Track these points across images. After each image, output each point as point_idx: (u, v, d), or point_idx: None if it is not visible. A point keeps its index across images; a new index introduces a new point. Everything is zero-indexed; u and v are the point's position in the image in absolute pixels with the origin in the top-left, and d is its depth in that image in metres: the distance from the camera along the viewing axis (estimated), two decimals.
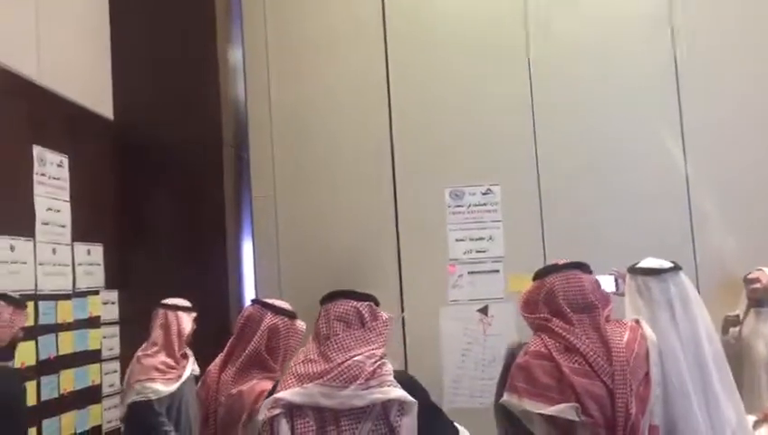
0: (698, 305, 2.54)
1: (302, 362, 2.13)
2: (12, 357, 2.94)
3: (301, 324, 2.64)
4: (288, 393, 2.04)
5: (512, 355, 2.38)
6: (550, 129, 4.82)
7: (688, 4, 4.81)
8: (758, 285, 4.05)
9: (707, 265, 4.48)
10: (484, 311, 4.75)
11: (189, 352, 3.90)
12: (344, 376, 2.05)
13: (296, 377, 2.08)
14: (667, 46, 4.79)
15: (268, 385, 2.39)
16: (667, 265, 2.59)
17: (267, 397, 2.10)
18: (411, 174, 4.89)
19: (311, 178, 4.98)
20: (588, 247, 4.47)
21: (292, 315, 2.63)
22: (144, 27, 4.78)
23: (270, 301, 2.69)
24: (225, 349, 2.61)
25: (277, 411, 2.01)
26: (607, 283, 3.35)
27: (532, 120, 4.84)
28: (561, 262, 2.43)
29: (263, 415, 2.03)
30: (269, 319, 2.56)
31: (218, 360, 2.63)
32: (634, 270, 2.64)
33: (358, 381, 2.04)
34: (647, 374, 2.26)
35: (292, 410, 2.03)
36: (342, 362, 2.07)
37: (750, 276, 4.12)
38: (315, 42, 5.07)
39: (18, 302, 2.96)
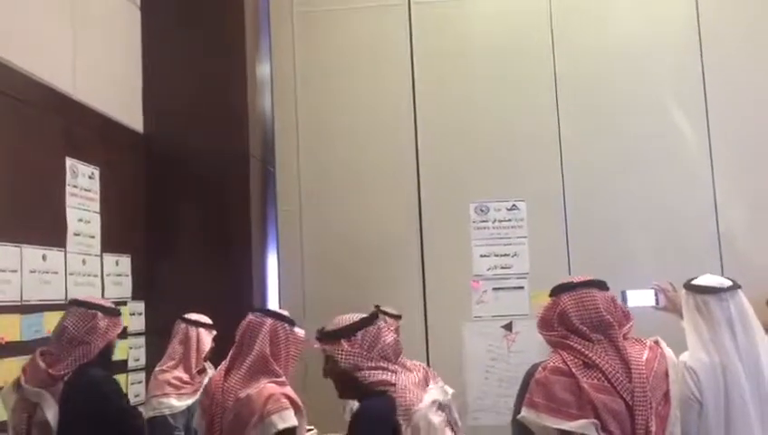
0: (756, 324, 2.54)
1: None
2: (108, 365, 2.99)
3: (300, 332, 2.66)
4: None
5: (531, 372, 2.37)
6: (576, 145, 4.81)
7: (716, 13, 4.78)
8: None
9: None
10: (508, 327, 4.72)
11: (209, 366, 3.91)
12: None
13: None
14: (695, 59, 4.77)
15: (276, 389, 2.43)
16: (727, 283, 2.58)
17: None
18: (436, 189, 4.90)
19: (336, 193, 5.01)
20: (614, 264, 4.46)
21: (291, 322, 2.66)
22: (174, 41, 4.86)
23: (269, 309, 2.71)
24: (228, 358, 2.64)
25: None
26: (647, 297, 3.33)
27: (558, 137, 4.83)
28: (577, 280, 2.41)
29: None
30: (269, 325, 2.59)
31: (221, 369, 2.66)
32: (692, 287, 2.62)
33: None
34: (666, 393, 2.25)
35: None
36: None
37: None
38: (342, 57, 5.12)
39: (113, 311, 3.01)
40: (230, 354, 2.64)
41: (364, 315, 2.37)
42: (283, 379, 2.52)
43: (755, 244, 4.55)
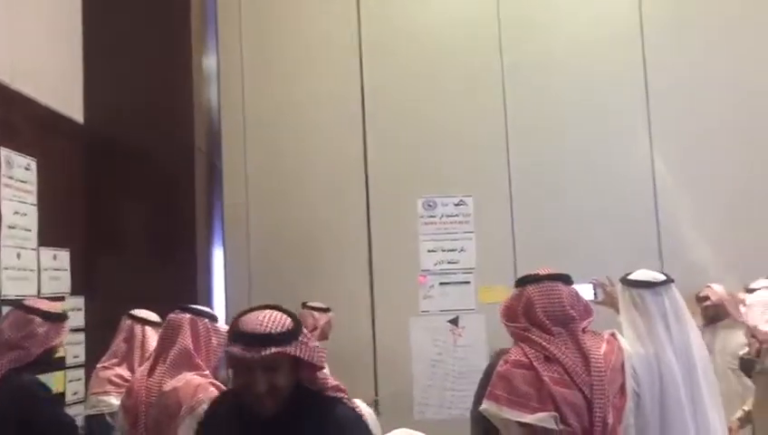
0: (688, 316, 2.61)
1: None
2: (41, 371, 2.91)
3: (223, 327, 2.67)
4: None
5: (492, 364, 2.39)
6: (523, 141, 4.87)
7: (659, 22, 4.90)
8: (708, 303, 4.15)
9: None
10: (454, 322, 4.76)
11: None
12: None
13: None
14: (637, 61, 4.87)
15: (203, 380, 2.44)
16: (661, 277, 2.64)
17: None
18: (384, 184, 4.90)
19: (283, 187, 4.96)
20: (559, 259, 4.47)
21: (212, 317, 2.69)
22: (117, 31, 4.73)
23: (192, 306, 2.74)
24: (151, 357, 2.63)
25: None
26: (586, 291, 3.39)
27: (506, 133, 4.89)
28: (543, 272, 2.44)
29: None
30: (189, 320, 2.62)
31: (143, 368, 2.63)
32: (628, 282, 2.67)
33: None
34: (622, 385, 2.31)
35: None
36: None
37: (701, 295, 4.22)
38: (291, 52, 5.07)
39: (56, 317, 2.92)
40: (153, 352, 2.63)
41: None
42: (207, 372, 2.54)
43: (693, 240, 4.68)
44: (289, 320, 1.83)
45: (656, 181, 4.80)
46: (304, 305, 4.19)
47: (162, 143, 4.65)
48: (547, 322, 2.31)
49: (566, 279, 2.43)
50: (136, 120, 4.66)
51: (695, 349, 2.53)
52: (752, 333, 3.63)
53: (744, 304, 3.68)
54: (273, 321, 1.80)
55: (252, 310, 1.86)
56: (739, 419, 3.78)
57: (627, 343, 2.57)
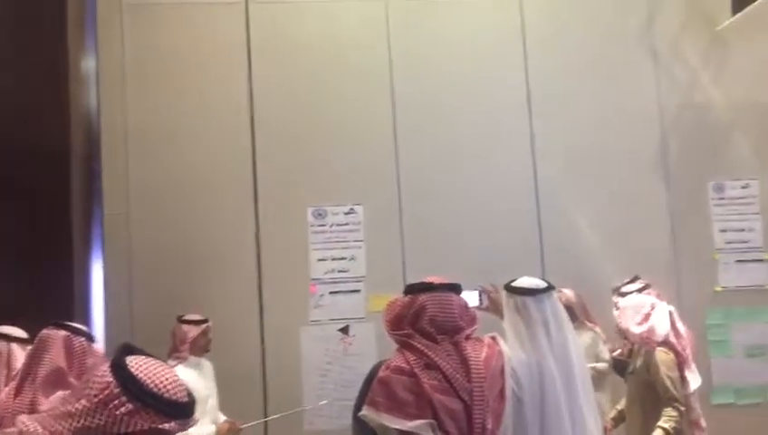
0: (568, 323, 2.69)
1: None
2: None
3: (99, 348, 2.58)
4: None
5: (374, 371, 2.38)
6: (411, 150, 4.94)
7: (540, 33, 5.11)
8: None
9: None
10: (344, 330, 4.75)
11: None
12: None
13: None
14: (520, 68, 5.06)
15: None
16: (543, 284, 2.71)
17: None
18: (274, 192, 4.83)
19: (168, 195, 4.79)
20: (446, 267, 4.57)
21: (90, 338, 2.58)
22: None
23: (67, 323, 2.61)
24: (18, 375, 2.47)
25: None
26: (471, 298, 3.45)
27: (395, 142, 4.94)
28: (436, 281, 2.45)
29: None
30: (64, 338, 2.50)
31: (9, 388, 2.47)
32: (512, 289, 2.72)
33: None
34: (502, 390, 2.35)
35: None
36: None
37: None
38: (176, 54, 4.91)
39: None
40: (19, 372, 2.46)
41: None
42: None
43: (573, 246, 4.91)
44: None
45: (538, 190, 4.99)
46: (179, 319, 4.04)
47: (32, 146, 4.36)
48: (433, 330, 2.32)
49: (457, 289, 2.46)
50: (3, 119, 4.35)
51: (573, 355, 2.61)
52: (624, 335, 3.84)
53: (617, 307, 3.88)
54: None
55: (156, 365, 1.55)
56: (613, 418, 3.98)
57: (509, 348, 2.65)
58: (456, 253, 4.77)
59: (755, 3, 4.52)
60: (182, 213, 4.76)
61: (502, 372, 2.37)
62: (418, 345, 2.30)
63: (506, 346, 2.48)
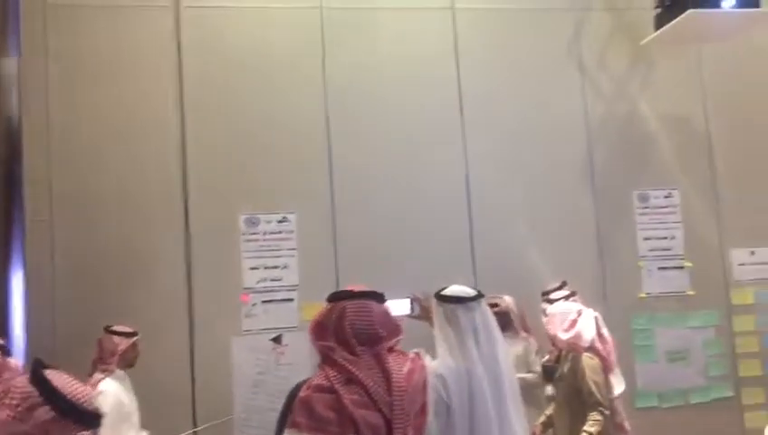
0: (497, 331, 2.74)
1: None
2: None
3: (15, 362, 2.52)
4: None
5: (293, 392, 2.35)
6: (345, 158, 4.93)
7: (472, 48, 5.19)
8: (497, 310, 4.36)
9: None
10: (277, 340, 4.70)
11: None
12: None
13: None
14: (452, 78, 5.13)
15: None
16: (472, 292, 2.74)
17: None
18: (205, 200, 4.74)
19: (94, 202, 4.64)
20: (380, 275, 4.58)
21: (5, 350, 2.54)
22: None
23: None
24: None
25: None
26: (402, 306, 3.44)
27: (328, 150, 4.92)
28: (357, 289, 2.43)
29: None
30: None
31: None
32: (442, 297, 2.75)
33: None
34: (423, 405, 2.34)
35: None
36: None
37: (491, 302, 4.48)
38: (102, 59, 4.78)
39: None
40: None
41: None
42: None
43: (504, 254, 4.99)
44: None
45: (470, 199, 5.05)
46: (107, 329, 3.91)
47: None
48: (353, 340, 2.30)
49: (378, 297, 2.44)
50: None
51: (502, 363, 2.66)
52: (552, 341, 3.92)
53: (545, 314, 3.97)
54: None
55: (69, 379, 1.73)
56: (542, 423, 4.06)
57: (439, 355, 2.67)
58: (390, 261, 4.78)
59: (677, 19, 4.69)
60: (108, 220, 4.62)
61: (424, 386, 2.37)
62: (339, 359, 2.27)
63: (432, 360, 2.49)
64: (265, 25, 5.00)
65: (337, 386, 2.22)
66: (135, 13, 4.84)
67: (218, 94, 4.85)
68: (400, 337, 2.41)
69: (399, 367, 2.32)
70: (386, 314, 2.43)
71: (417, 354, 2.45)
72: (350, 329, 2.31)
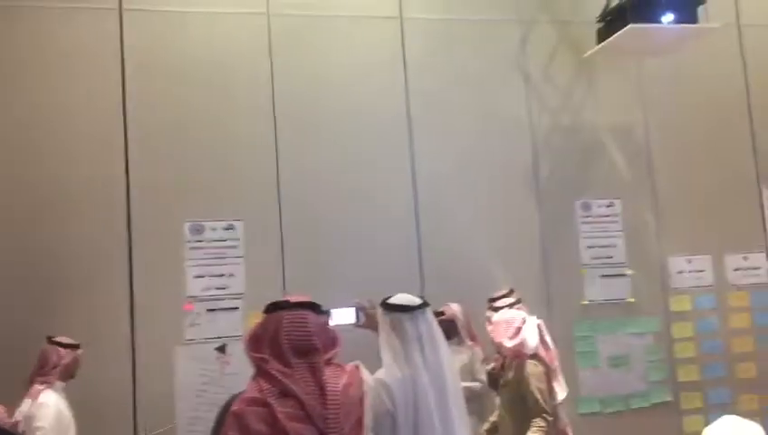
0: (443, 340, 2.76)
1: None
2: None
3: None
4: None
5: (226, 406, 2.32)
6: (292, 165, 4.89)
7: (419, 55, 5.23)
8: (443, 317, 4.40)
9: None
10: (221, 349, 4.62)
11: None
12: None
13: None
14: (400, 89, 5.15)
15: None
16: (418, 301, 2.75)
17: None
18: (148, 206, 4.64)
19: (32, 208, 4.49)
20: (326, 283, 4.60)
21: None
22: None
23: None
24: None
25: None
26: (348, 315, 3.43)
27: (276, 157, 4.88)
28: (294, 299, 2.39)
29: None
30: None
31: None
32: (387, 306, 2.75)
33: None
34: (360, 419, 2.31)
35: None
36: None
37: (438, 310, 4.52)
38: (41, 61, 4.63)
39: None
40: None
41: None
42: None
43: (451, 261, 5.02)
44: None
45: (417, 206, 5.08)
46: (50, 340, 3.81)
47: None
48: (289, 353, 2.26)
49: (315, 307, 2.40)
50: None
51: (447, 372, 2.68)
52: (497, 348, 3.96)
53: (490, 322, 4.00)
54: None
55: None
56: (486, 430, 4.09)
57: (384, 365, 2.66)
58: (337, 270, 4.77)
59: (618, 33, 4.82)
60: (47, 226, 4.48)
61: (361, 400, 2.34)
62: (273, 372, 2.23)
63: (368, 374, 2.48)
64: (211, 30, 4.93)
65: (270, 399, 2.18)
66: (76, 14, 4.72)
67: (162, 99, 4.76)
68: (338, 349, 2.38)
69: (336, 380, 2.29)
70: (323, 325, 2.40)
71: (357, 367, 2.43)
72: (285, 340, 2.27)
